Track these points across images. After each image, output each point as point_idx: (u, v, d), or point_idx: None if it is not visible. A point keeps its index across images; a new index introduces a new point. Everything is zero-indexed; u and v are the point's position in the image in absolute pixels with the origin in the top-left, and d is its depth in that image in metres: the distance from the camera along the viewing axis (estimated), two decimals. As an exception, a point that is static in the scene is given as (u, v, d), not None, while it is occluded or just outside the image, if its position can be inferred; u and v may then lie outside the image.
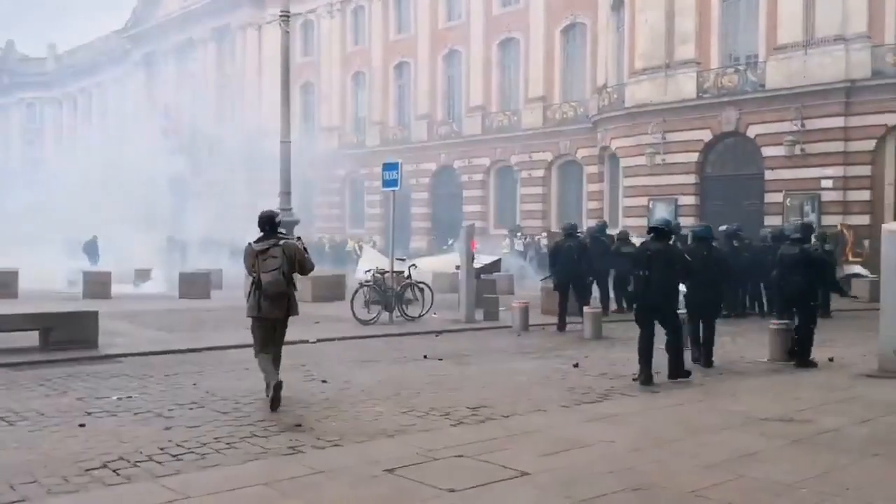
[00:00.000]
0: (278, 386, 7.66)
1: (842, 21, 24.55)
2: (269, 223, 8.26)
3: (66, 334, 10.93)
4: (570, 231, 15.05)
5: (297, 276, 8.41)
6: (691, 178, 27.98)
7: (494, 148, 37.07)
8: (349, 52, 44.42)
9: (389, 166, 15.47)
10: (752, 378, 9.76)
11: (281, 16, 18.59)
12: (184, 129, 51.55)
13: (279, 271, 8.01)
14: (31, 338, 11.03)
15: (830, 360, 10.98)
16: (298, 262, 8.21)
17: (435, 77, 39.90)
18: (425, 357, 10.97)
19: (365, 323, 14.31)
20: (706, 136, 27.67)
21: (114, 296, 19.07)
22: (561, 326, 14.06)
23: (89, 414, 7.33)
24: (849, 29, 24.48)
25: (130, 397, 8.07)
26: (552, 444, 6.34)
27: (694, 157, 27.89)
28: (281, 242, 8.21)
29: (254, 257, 8.15)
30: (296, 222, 19.15)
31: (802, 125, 24.98)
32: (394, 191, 15.41)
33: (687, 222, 26.99)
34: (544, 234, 32.59)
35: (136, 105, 55.76)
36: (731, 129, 27.08)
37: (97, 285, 18.90)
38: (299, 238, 9.23)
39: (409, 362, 10.67)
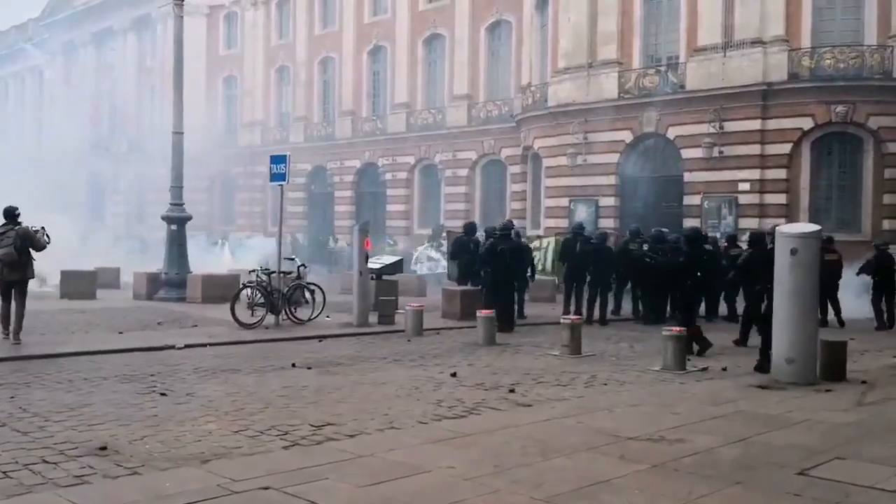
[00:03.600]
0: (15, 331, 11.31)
1: (760, 24, 24.42)
2: (9, 215, 11.54)
3: None
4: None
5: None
6: (612, 180, 27.61)
7: (419, 146, 36.30)
8: (273, 46, 43.22)
9: (277, 159, 14.58)
10: (637, 389, 9.15)
11: (175, 2, 17.48)
12: (102, 122, 49.85)
13: (12, 247, 11.24)
14: None
15: (724, 369, 10.48)
16: (30, 241, 11.44)
17: (360, 73, 38.97)
18: (293, 365, 10.12)
19: (247, 327, 13.38)
20: (627, 136, 27.34)
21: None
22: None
23: None
24: (767, 32, 24.35)
25: (-75, 414, 7.06)
26: (383, 472, 5.57)
27: (615, 158, 27.53)
28: (16, 227, 11.38)
29: None
30: (188, 218, 18.10)
31: (721, 127, 24.78)
32: (281, 185, 14.49)
33: (607, 224, 26.75)
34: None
35: (53, 96, 53.69)
36: (652, 131, 26.80)
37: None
38: (43, 227, 11.78)
39: (274, 371, 9.80)
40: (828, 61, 23.75)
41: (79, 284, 18.11)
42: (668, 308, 15.60)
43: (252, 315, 13.72)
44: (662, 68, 26.82)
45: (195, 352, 11.27)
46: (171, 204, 17.98)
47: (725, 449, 6.35)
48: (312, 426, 7.00)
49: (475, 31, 34.34)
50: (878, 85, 23.39)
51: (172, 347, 11.38)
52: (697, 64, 25.48)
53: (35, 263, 11.71)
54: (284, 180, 14.29)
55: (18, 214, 11.53)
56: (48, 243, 11.74)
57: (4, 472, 5.46)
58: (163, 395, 8.15)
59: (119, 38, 49.22)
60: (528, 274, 16.17)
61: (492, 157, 34.09)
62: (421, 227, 35.85)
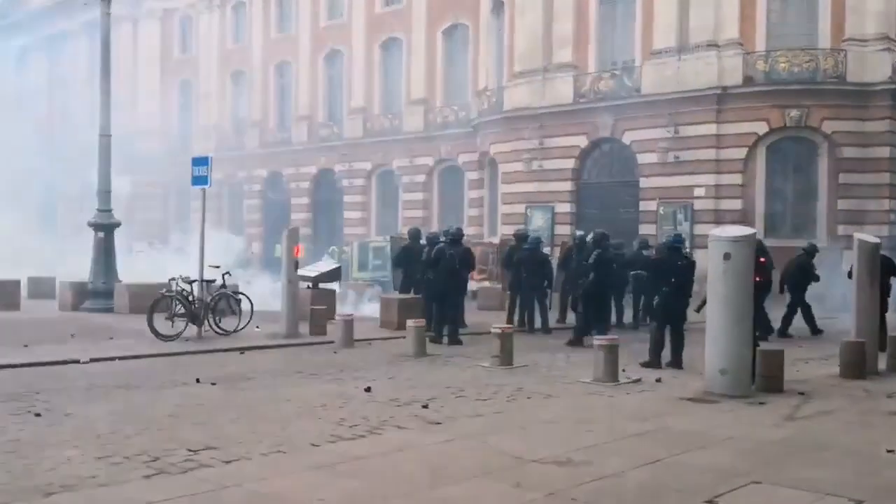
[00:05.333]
0: None
1: (714, 27, 24.18)
2: None
3: None
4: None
5: None
6: (568, 185, 27.23)
7: (376, 151, 35.66)
8: (229, 50, 42.40)
9: (199, 161, 13.89)
10: (560, 404, 8.58)
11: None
12: (54, 126, 48.64)
13: None
14: None
15: (658, 380, 9.96)
16: None
17: (316, 77, 38.28)
18: (197, 381, 9.43)
19: (165, 339, 12.64)
20: (582, 141, 26.98)
21: None
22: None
23: None
24: (721, 35, 24.12)
25: None
26: (239, 506, 4.94)
27: (570, 163, 27.15)
28: None
29: None
30: (116, 225, 17.30)
31: (676, 132, 24.48)
32: (203, 188, 13.78)
33: (563, 231, 26.28)
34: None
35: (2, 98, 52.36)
36: (608, 135, 26.48)
37: None
38: None
39: (174, 388, 9.11)
40: (782, 65, 23.53)
41: (2, 294, 17.24)
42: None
43: (172, 326, 12.99)
44: (618, 72, 26.51)
45: (101, 366, 10.53)
46: (98, 210, 17.16)
47: (634, 472, 5.79)
48: (190, 451, 6.34)
49: (432, 34, 33.83)
50: (832, 89, 23.22)
51: (77, 362, 10.63)
52: (653, 67, 25.17)
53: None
54: (207, 183, 13.59)
55: None
56: None
57: None
58: (37, 415, 7.44)
59: (71, 42, 48.07)
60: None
61: (449, 162, 33.56)
62: (380, 234, 35.18)
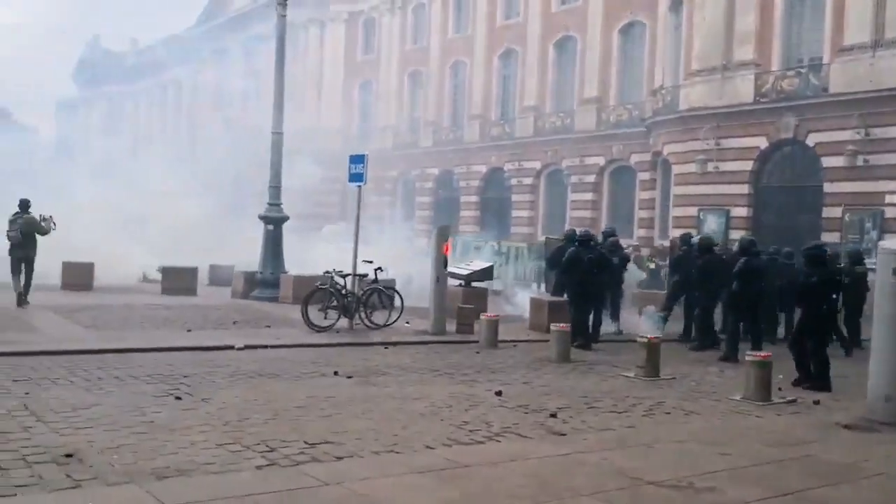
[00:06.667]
0: (21, 294, 14.31)
1: (914, 20, 22.09)
2: (22, 206, 14.68)
3: (-46, 328, 10.01)
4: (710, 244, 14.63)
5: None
6: (744, 189, 25.78)
7: (546, 150, 35.41)
8: (408, 51, 43.46)
9: (356, 158, 14.15)
10: (700, 422, 8.06)
11: (279, 1, 17.45)
12: (247, 125, 51.60)
13: (18, 231, 14.40)
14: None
15: (816, 402, 9.17)
16: (34, 227, 14.47)
17: (490, 77, 38.52)
18: (335, 373, 9.61)
19: (318, 330, 13.02)
20: (762, 143, 25.46)
21: (95, 288, 18.39)
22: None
23: None
24: (923, 29, 22.00)
25: (-73, 406, 6.98)
26: (334, 505, 4.93)
27: (748, 165, 25.70)
28: (24, 216, 14.50)
29: (9, 223, 14.50)
30: (284, 218, 18.02)
31: (867, 134, 22.58)
32: (359, 186, 14.04)
33: (738, 236, 24.93)
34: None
35: (204, 100, 56.18)
36: (790, 137, 24.83)
37: (79, 275, 18.22)
38: (51, 216, 14.64)
39: (311, 379, 9.32)
40: None
41: (181, 280, 18.43)
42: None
43: (325, 318, 13.36)
44: (803, 70, 24.82)
45: (252, 353, 10.96)
46: (268, 204, 17.97)
47: (762, 505, 5.30)
48: (306, 443, 6.43)
49: (608, 33, 33.17)
50: None
51: (231, 348, 11.13)
52: (843, 65, 23.35)
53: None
54: (362, 181, 13.85)
55: (30, 205, 14.63)
56: (52, 230, 14.60)
57: (-53, 477, 5.18)
58: (177, 398, 7.81)
59: (264, 45, 50.81)
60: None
61: (621, 162, 32.78)
62: (547, 234, 34.87)
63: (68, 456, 5.74)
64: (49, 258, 18.15)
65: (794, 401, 9.21)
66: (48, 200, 20.65)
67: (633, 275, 17.29)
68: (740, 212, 25.85)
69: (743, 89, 25.74)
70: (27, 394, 7.67)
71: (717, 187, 26.23)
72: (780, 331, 15.20)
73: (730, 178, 26.00)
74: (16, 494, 4.94)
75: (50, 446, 5.97)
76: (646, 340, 10.57)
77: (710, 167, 26.38)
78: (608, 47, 33.13)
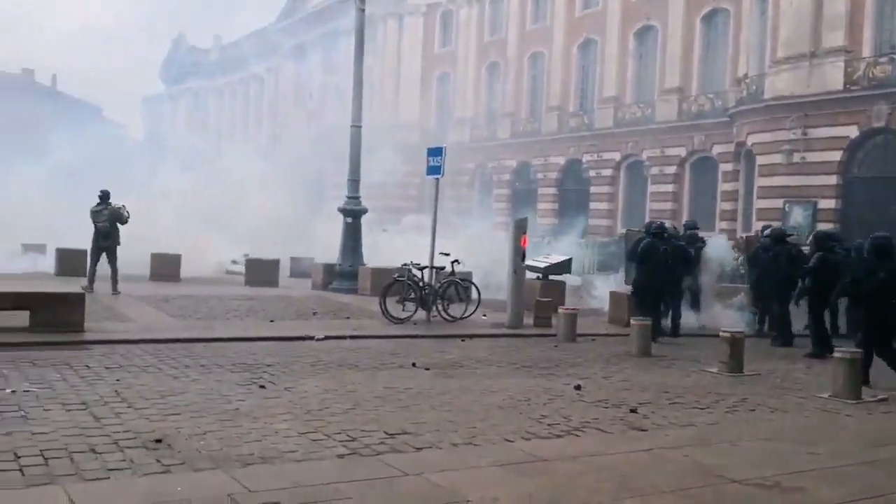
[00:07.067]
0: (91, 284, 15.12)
1: None
2: (105, 197, 15.69)
3: (51, 316, 10.43)
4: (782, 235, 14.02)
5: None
6: (833, 180, 24.99)
7: (626, 142, 34.96)
8: (486, 43, 43.41)
9: (433, 151, 14.19)
10: (787, 419, 7.84)
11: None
12: (326, 120, 52.33)
13: (106, 222, 15.33)
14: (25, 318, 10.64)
15: (910, 402, 8.82)
16: (117, 217, 15.39)
17: (569, 67, 38.19)
18: (413, 365, 9.68)
19: (396, 322, 13.15)
20: (852, 132, 24.62)
21: (182, 278, 18.97)
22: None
23: (-50, 408, 6.59)
24: None
25: (28, 391, 7.28)
26: (412, 497, 4.97)
27: (837, 155, 24.90)
28: (108, 207, 15.47)
29: (93, 213, 15.44)
30: (363, 211, 18.20)
31: (965, 121, 21.61)
32: (437, 178, 14.09)
33: (825, 229, 24.14)
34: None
35: (285, 95, 57.19)
36: (882, 126, 23.94)
37: (167, 266, 18.84)
38: (123, 206, 15.58)
39: (389, 370, 9.41)
40: None
41: (262, 272, 18.85)
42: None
43: (403, 309, 13.47)
44: (897, 56, 23.87)
45: (331, 344, 11.13)
46: (347, 197, 18.19)
47: (850, 507, 5.13)
48: (386, 433, 6.50)
49: (690, 21, 32.53)
50: None
51: (312, 338, 11.32)
52: (940, 50, 22.38)
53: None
54: (440, 173, 13.89)
55: (109, 195, 15.63)
56: (128, 218, 15.49)
57: (45, 458, 5.39)
58: (261, 387, 7.98)
59: (342, 39, 51.44)
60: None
61: (702, 153, 32.14)
62: (626, 226, 34.41)
63: (158, 441, 5.92)
64: (135, 249, 18.93)
65: (885, 399, 8.89)
66: (134, 193, 21.55)
67: (714, 267, 16.83)
68: (828, 204, 25.06)
69: (832, 77, 24.91)
70: (118, 381, 7.95)
71: (804, 178, 25.48)
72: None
73: (817, 169, 25.23)
74: (109, 477, 5.12)
75: (140, 432, 6.17)
76: (729, 335, 10.33)
77: (797, 158, 25.63)
78: (690, 36, 32.48)
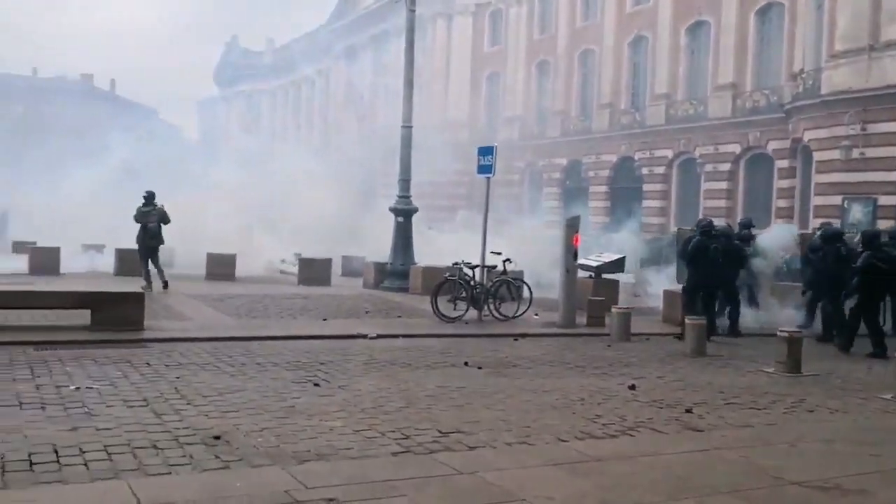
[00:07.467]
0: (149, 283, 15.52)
1: None
2: (151, 198, 16.22)
3: (111, 315, 10.69)
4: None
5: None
6: (893, 176, 24.29)
7: (678, 139, 34.50)
8: (535, 40, 43.22)
9: (484, 150, 14.17)
10: (848, 421, 7.69)
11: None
12: (377, 120, 52.68)
13: (157, 223, 15.97)
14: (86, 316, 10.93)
15: (976, 404, 8.57)
16: (164, 218, 15.99)
17: (620, 64, 37.83)
18: (466, 364, 9.70)
19: (447, 320, 13.18)
20: (914, 127, 23.93)
21: (237, 278, 19.30)
22: None
23: (21, 404, 6.80)
24: None
25: (91, 388, 7.47)
26: (466, 496, 4.99)
27: (898, 151, 24.21)
28: (156, 207, 16.09)
29: (141, 214, 15.99)
30: (414, 210, 18.29)
31: None
32: (488, 177, 14.08)
33: (888, 226, 23.55)
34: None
35: (336, 96, 57.69)
36: (945, 120, 23.24)
37: (222, 266, 19.19)
38: (162, 205, 16.16)
39: (442, 369, 9.44)
40: None
41: (315, 271, 19.07)
42: None
43: (454, 308, 13.50)
44: (961, 47, 23.16)
45: (384, 342, 11.22)
46: (398, 196, 18.29)
47: (915, 511, 5.01)
48: (439, 432, 6.53)
49: (743, 15, 31.98)
50: None
51: (364, 337, 11.42)
52: None
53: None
54: (491, 172, 13.89)
55: (154, 196, 16.22)
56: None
57: (109, 454, 5.54)
58: (316, 385, 8.08)
59: (393, 40, 51.70)
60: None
61: (757, 150, 31.56)
62: (680, 224, 33.97)
63: (216, 438, 6.04)
64: (189, 247, 19.44)
65: (951, 401, 8.65)
66: (188, 193, 22.00)
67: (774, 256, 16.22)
68: (889, 200, 24.37)
69: (892, 70, 24.25)
70: (178, 378, 8.12)
71: (863, 175, 24.86)
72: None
73: (877, 165, 24.59)
74: (170, 473, 5.24)
75: (199, 428, 6.30)
76: (786, 334, 10.15)
77: (856, 153, 25.01)
78: (744, 30, 31.94)
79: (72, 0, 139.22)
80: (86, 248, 22.42)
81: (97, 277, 17.91)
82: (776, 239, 15.78)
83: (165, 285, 15.95)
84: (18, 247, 23.56)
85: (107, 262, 20.05)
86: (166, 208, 16.19)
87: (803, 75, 27.73)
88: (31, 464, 5.22)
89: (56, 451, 5.47)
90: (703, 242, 12.97)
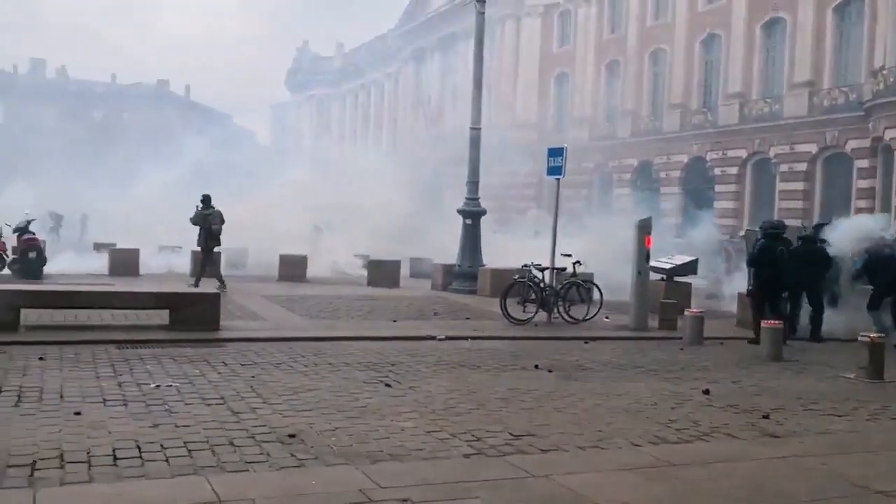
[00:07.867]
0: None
1: None
2: (209, 200, 16.72)
3: (189, 315, 10.97)
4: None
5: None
6: (980, 175, 23.43)
7: (752, 139, 33.80)
8: (605, 41, 42.85)
9: (554, 151, 14.09)
10: (934, 430, 7.42)
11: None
12: (446, 122, 52.85)
13: (220, 225, 16.51)
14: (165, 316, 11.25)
15: None
16: (222, 221, 16.54)
17: (691, 64, 37.26)
18: (536, 367, 9.66)
19: (516, 323, 13.15)
20: None
21: (308, 279, 19.60)
22: None
23: (105, 401, 7.02)
24: None
25: (170, 386, 7.68)
26: (538, 499, 4.98)
27: None
28: (215, 210, 16.60)
29: (201, 216, 16.51)
30: (482, 212, 18.30)
31: None
32: (558, 179, 13.99)
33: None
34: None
35: (405, 99, 58.09)
36: None
37: (294, 267, 19.53)
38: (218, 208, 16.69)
39: (512, 371, 9.42)
40: None
41: (384, 273, 19.24)
42: None
43: (524, 311, 13.46)
44: None
45: (453, 344, 11.25)
46: (466, 198, 18.31)
47: None
48: (511, 435, 6.52)
49: (821, 12, 31.18)
50: None
51: (433, 338, 11.47)
52: None
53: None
54: (561, 174, 13.80)
55: (210, 198, 16.68)
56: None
57: (189, 451, 5.68)
58: (387, 385, 8.15)
59: (461, 42, 51.81)
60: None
61: (835, 150, 30.71)
62: (753, 226, 33.21)
63: (291, 436, 6.14)
64: (259, 247, 19.91)
65: None
66: (261, 195, 22.45)
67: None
68: (975, 200, 23.54)
69: (979, 66, 23.39)
70: (253, 377, 8.28)
71: (948, 174, 24.02)
72: None
73: (963, 164, 23.74)
74: (248, 470, 5.36)
75: (275, 427, 6.41)
76: (868, 339, 9.84)
77: (940, 152, 24.20)
78: (821, 27, 31.13)
79: (149, 8, 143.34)
80: (162, 249, 23.05)
81: (174, 278, 18.38)
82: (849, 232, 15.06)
83: (197, 283, 16.23)
84: (99, 248, 24.35)
85: (183, 263, 20.56)
86: (229, 211, 16.77)
87: (884, 72, 26.93)
88: (115, 458, 5.39)
89: (139, 447, 5.64)
90: (768, 245, 12.66)
